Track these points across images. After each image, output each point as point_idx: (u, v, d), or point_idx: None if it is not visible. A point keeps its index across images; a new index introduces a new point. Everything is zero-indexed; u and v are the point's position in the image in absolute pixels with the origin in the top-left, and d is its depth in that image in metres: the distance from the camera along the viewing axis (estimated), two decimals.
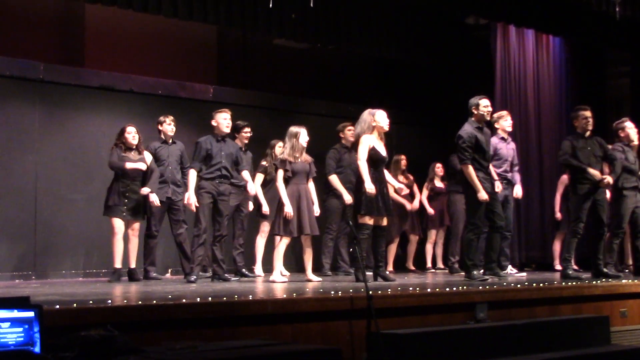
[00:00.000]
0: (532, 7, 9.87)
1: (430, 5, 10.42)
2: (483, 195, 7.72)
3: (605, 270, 8.17)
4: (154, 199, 8.57)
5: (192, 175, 8.12)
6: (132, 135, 8.52)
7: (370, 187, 7.54)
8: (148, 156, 8.62)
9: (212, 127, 8.29)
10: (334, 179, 9.05)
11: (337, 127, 9.63)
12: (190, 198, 8.01)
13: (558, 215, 10.19)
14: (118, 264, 8.39)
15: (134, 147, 8.53)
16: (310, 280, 7.96)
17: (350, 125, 9.37)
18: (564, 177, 9.63)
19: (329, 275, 9.12)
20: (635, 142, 8.86)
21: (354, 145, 8.11)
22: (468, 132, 7.86)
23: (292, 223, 7.79)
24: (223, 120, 8.23)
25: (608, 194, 8.50)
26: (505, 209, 8.64)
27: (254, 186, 8.66)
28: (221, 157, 8.13)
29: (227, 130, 8.29)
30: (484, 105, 8.02)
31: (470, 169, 7.75)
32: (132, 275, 8.55)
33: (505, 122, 8.94)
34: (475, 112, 7.98)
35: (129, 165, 8.39)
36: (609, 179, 8.19)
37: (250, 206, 9.16)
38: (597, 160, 8.21)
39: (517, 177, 9.17)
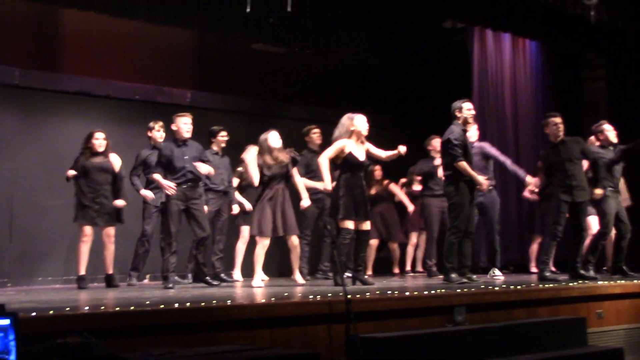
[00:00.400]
0: (509, 11, 9.94)
1: (408, 9, 10.48)
2: (484, 182, 7.93)
3: (582, 272, 8.22)
4: (147, 193, 8.59)
5: (157, 176, 7.96)
6: (99, 141, 8.45)
7: (326, 187, 7.70)
8: (116, 160, 8.52)
9: (172, 132, 8.11)
10: (298, 180, 8.92)
11: (302, 131, 9.58)
12: (165, 184, 7.84)
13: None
14: (82, 271, 8.31)
15: (100, 152, 8.47)
16: (296, 282, 7.95)
17: (315, 127, 9.39)
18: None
19: (308, 279, 9.12)
20: (615, 142, 8.94)
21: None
22: (457, 131, 7.92)
23: (266, 224, 7.79)
24: (183, 125, 8.02)
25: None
26: (484, 214, 8.71)
27: (206, 167, 8.26)
28: (184, 162, 7.96)
29: (188, 135, 8.04)
30: (467, 108, 8.07)
31: (464, 163, 7.79)
32: (110, 282, 8.50)
33: (469, 132, 8.97)
34: (459, 114, 8.02)
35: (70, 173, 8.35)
36: (598, 192, 8.45)
37: (235, 209, 9.13)
38: (573, 163, 8.24)
39: (517, 170, 9.25)
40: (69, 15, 9.66)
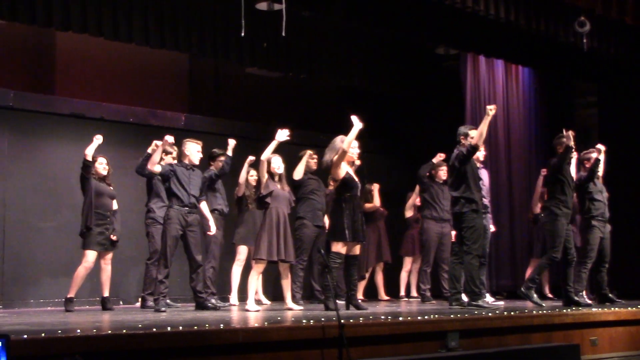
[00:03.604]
0: (502, 38, 10.00)
1: (401, 36, 10.52)
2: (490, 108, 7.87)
3: (576, 298, 8.23)
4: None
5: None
6: (102, 165, 8.54)
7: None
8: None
9: (182, 155, 8.11)
10: None
11: (299, 154, 9.56)
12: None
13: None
14: (73, 294, 8.32)
15: (104, 177, 8.52)
16: (290, 309, 7.92)
17: (315, 153, 9.35)
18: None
19: (301, 303, 9.07)
20: (600, 173, 8.98)
21: (325, 170, 8.08)
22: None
23: (272, 248, 7.76)
24: (196, 152, 8.05)
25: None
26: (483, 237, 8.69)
27: (212, 223, 8.42)
28: (190, 187, 7.95)
29: (197, 162, 8.11)
30: (472, 136, 8.12)
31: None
32: (105, 304, 8.52)
33: (479, 152, 8.99)
34: (464, 141, 8.06)
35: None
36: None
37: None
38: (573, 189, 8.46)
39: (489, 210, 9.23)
40: (64, 38, 9.67)
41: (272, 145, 7.98)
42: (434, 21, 9.52)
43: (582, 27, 9.22)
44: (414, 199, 10.64)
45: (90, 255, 8.33)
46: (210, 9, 9.20)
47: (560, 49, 10.28)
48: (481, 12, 8.63)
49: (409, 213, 10.75)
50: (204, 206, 8.31)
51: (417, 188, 10.47)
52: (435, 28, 9.70)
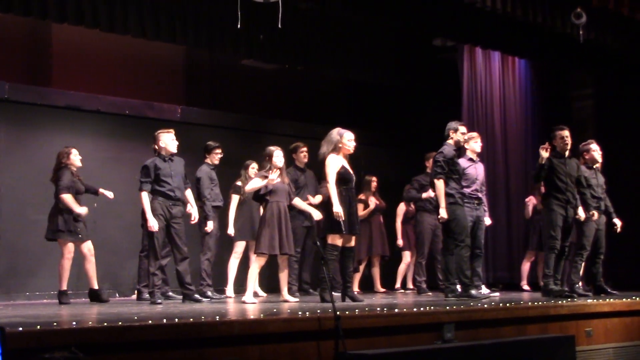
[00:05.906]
0: (498, 30, 9.98)
1: (398, 27, 10.51)
2: (443, 213, 7.88)
3: (555, 287, 8.26)
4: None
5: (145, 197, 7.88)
6: (78, 157, 8.48)
7: (338, 209, 7.52)
8: None
9: (158, 147, 7.96)
10: (297, 202, 8.58)
11: (289, 147, 9.52)
12: (150, 222, 7.83)
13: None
14: (65, 287, 8.29)
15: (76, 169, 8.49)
16: (286, 301, 7.92)
17: (303, 146, 9.34)
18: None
19: (297, 296, 9.07)
20: (599, 165, 8.98)
21: (322, 162, 8.04)
22: (449, 151, 8.05)
23: (275, 242, 7.76)
24: (171, 141, 7.95)
25: None
26: (477, 228, 8.64)
27: (195, 210, 8.38)
28: (172, 179, 7.89)
29: (175, 150, 8.00)
30: (462, 131, 8.23)
31: (441, 183, 7.87)
32: (97, 296, 8.46)
33: (475, 144, 8.95)
34: (453, 135, 8.12)
35: (78, 210, 8.28)
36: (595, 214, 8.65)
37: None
38: (572, 181, 8.38)
39: (484, 203, 9.19)
40: (60, 30, 9.65)
41: (261, 183, 7.90)
42: (431, 13, 9.49)
43: (578, 19, 9.20)
44: (403, 212, 10.65)
45: (70, 246, 8.29)
46: (206, 0, 9.17)
47: (557, 41, 10.26)
48: (478, 4, 8.60)
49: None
50: (188, 193, 8.27)
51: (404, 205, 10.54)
52: (433, 20, 9.67)
